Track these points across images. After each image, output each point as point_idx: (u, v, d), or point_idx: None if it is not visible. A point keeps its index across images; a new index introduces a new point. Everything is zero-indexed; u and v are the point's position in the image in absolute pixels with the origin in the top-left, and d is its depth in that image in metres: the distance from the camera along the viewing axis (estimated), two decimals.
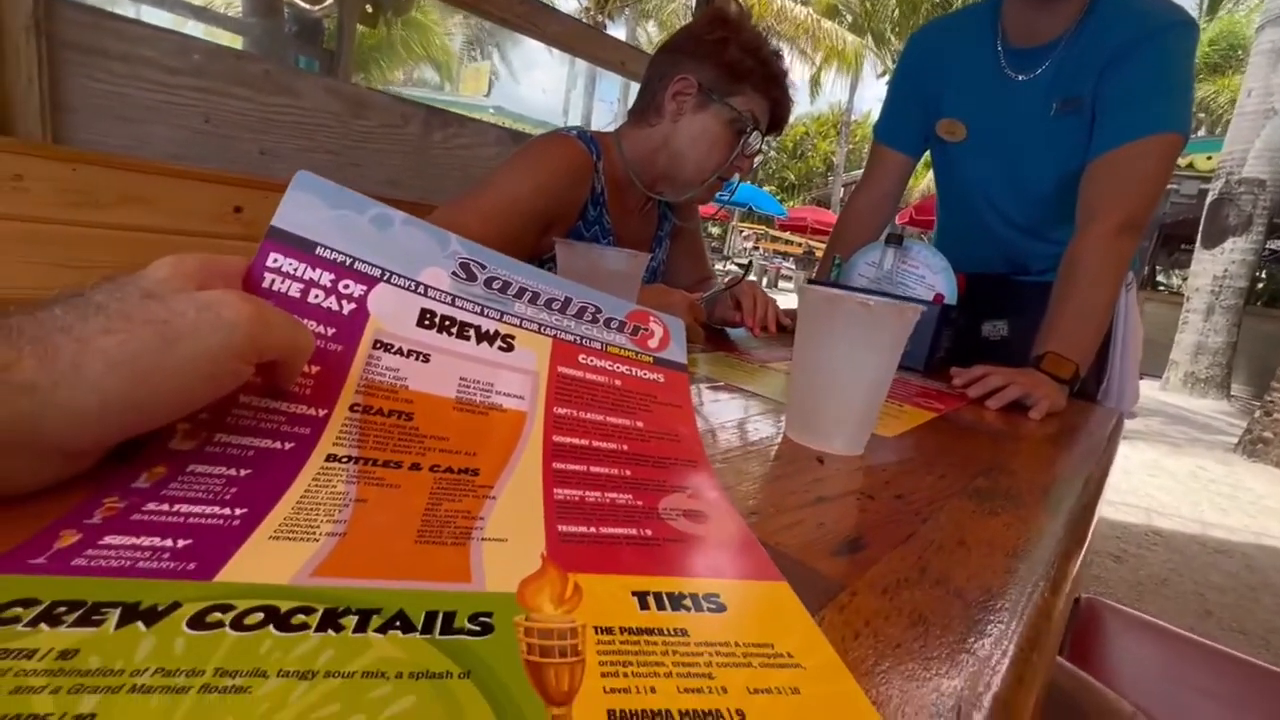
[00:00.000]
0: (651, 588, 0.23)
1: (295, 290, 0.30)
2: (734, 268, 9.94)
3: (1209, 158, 6.80)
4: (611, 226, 0.92)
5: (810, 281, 1.09)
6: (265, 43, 2.21)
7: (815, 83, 16.76)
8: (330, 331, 0.30)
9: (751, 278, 0.95)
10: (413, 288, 0.33)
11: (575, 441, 0.33)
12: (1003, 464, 0.48)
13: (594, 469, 0.31)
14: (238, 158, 0.96)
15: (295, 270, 0.30)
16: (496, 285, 0.36)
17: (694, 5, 1.80)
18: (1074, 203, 0.91)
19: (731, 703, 0.18)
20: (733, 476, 0.36)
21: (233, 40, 2.45)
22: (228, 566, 0.19)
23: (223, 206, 0.89)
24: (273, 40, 2.23)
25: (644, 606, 0.22)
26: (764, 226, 15.80)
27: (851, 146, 20.16)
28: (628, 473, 0.32)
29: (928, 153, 1.19)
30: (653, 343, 0.42)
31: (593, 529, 0.26)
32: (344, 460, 0.27)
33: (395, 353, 0.31)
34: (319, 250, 0.31)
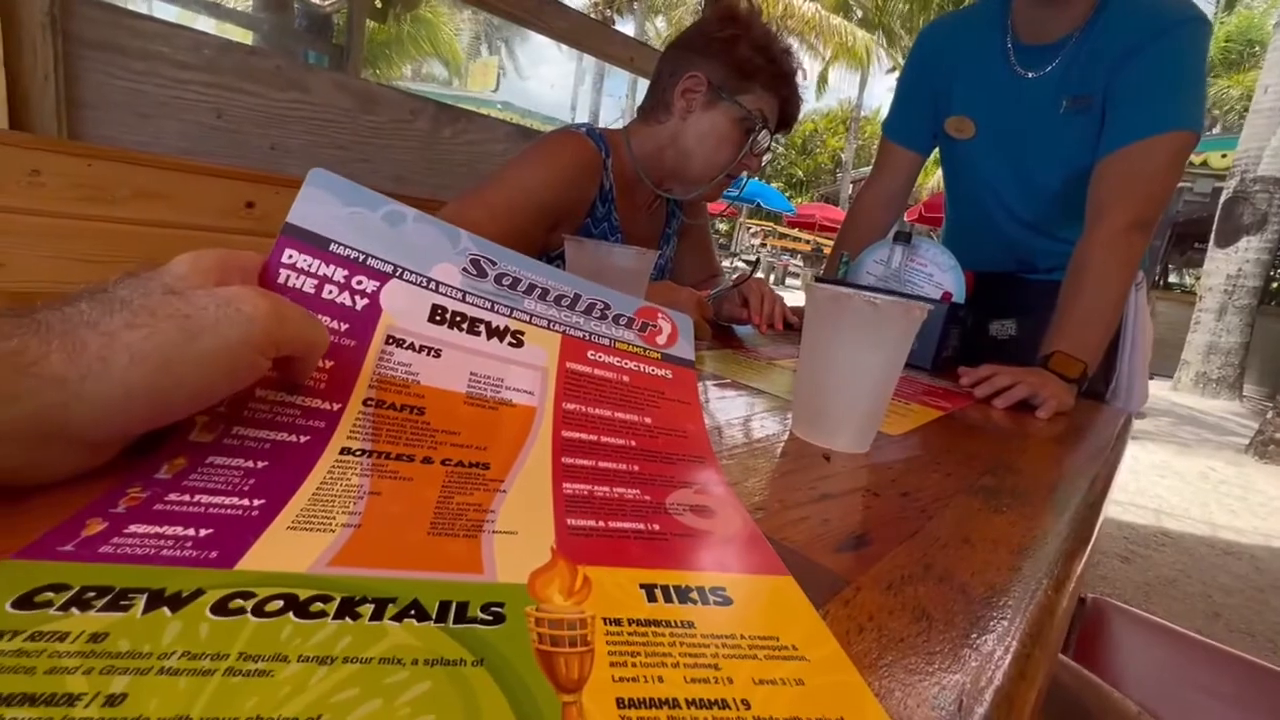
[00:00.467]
0: (659, 581, 0.23)
1: (310, 286, 0.30)
2: (741, 264, 9.91)
3: (1224, 155, 6.72)
4: (620, 224, 0.92)
5: (818, 279, 1.09)
6: (276, 38, 2.22)
7: (824, 79, 16.66)
8: (344, 327, 0.31)
9: (759, 275, 0.95)
10: (424, 284, 0.34)
11: (584, 437, 0.34)
12: (1009, 463, 0.48)
13: (602, 464, 0.32)
14: (249, 153, 0.97)
15: (310, 266, 0.31)
16: (507, 281, 0.36)
17: (703, 1, 1.79)
18: (1083, 201, 0.90)
19: (737, 693, 0.18)
20: (739, 473, 0.36)
21: (244, 36, 2.47)
22: (248, 555, 0.20)
23: (235, 201, 0.90)
24: (283, 36, 2.24)
25: (651, 599, 0.22)
26: (772, 223, 15.74)
27: (860, 143, 20.04)
28: (636, 468, 0.32)
29: (937, 150, 1.18)
30: (661, 339, 0.42)
31: (601, 523, 0.27)
32: (358, 453, 0.27)
33: (407, 348, 0.32)
34: (333, 246, 0.31)
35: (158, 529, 0.21)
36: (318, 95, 1.03)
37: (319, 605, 0.18)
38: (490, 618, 0.19)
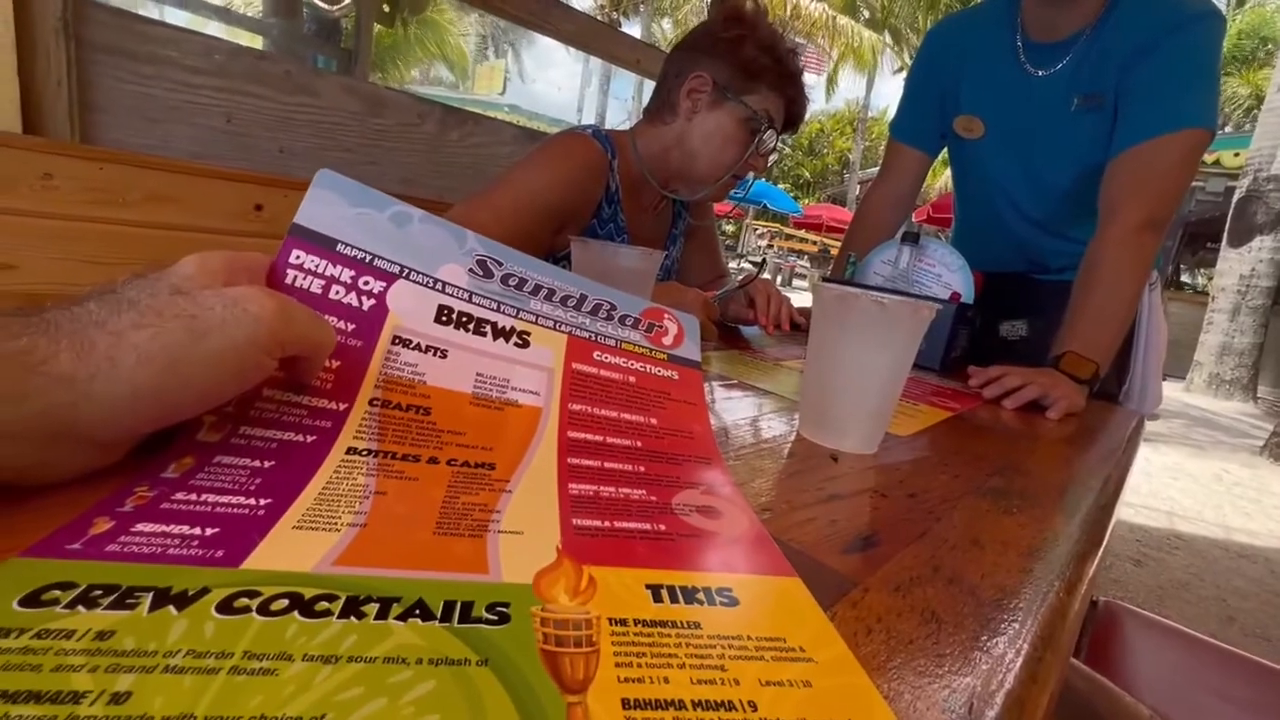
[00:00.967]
0: (665, 581, 0.23)
1: (317, 286, 0.31)
2: (748, 265, 9.90)
3: (1236, 154, 6.64)
4: (626, 224, 0.92)
5: (825, 280, 1.09)
6: (284, 43, 2.24)
7: (831, 80, 16.62)
8: (350, 327, 0.31)
9: (765, 275, 0.95)
10: (431, 284, 0.34)
11: (590, 438, 0.33)
12: (1018, 464, 0.48)
13: (608, 465, 0.32)
14: (258, 156, 0.98)
15: (317, 267, 0.31)
16: (513, 282, 0.36)
17: (709, 2, 1.79)
18: (1095, 200, 0.89)
19: (744, 694, 0.18)
20: (746, 473, 0.36)
21: (252, 40, 2.49)
22: (253, 554, 0.20)
23: (244, 204, 0.91)
24: (292, 40, 2.26)
25: (657, 599, 0.22)
26: (779, 224, 15.70)
27: (868, 144, 19.98)
28: (642, 469, 0.32)
29: (945, 150, 1.17)
30: (667, 340, 0.42)
31: (607, 523, 0.26)
32: (364, 453, 0.27)
33: (414, 348, 0.32)
34: (340, 247, 0.31)
35: (164, 528, 0.21)
36: (326, 99, 1.03)
37: (324, 604, 0.18)
38: (495, 618, 0.19)
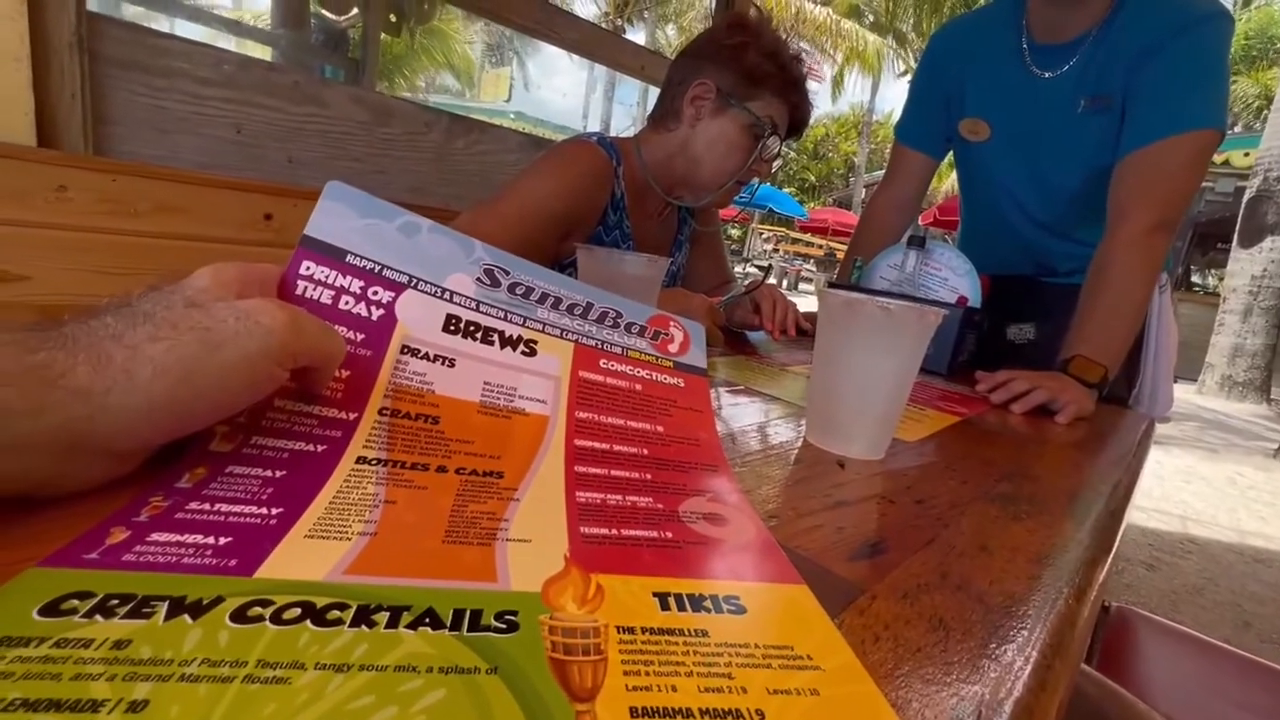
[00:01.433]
0: (672, 589, 0.23)
1: (327, 297, 0.31)
2: (754, 270, 9.90)
3: (1246, 154, 6.59)
4: (631, 231, 0.92)
5: (831, 284, 1.09)
6: (293, 53, 2.27)
7: (837, 83, 16.63)
8: (360, 337, 0.31)
9: (771, 281, 0.95)
10: (439, 294, 0.34)
11: (596, 445, 0.34)
12: (1027, 469, 0.48)
13: (615, 472, 0.32)
14: (267, 166, 0.99)
15: (327, 278, 0.31)
16: (520, 291, 0.37)
17: (713, 7, 1.80)
18: (1102, 202, 0.89)
19: (751, 702, 0.18)
20: (753, 480, 0.36)
21: (262, 51, 2.52)
22: (266, 563, 0.20)
23: (254, 214, 0.92)
24: (300, 51, 2.28)
25: (665, 607, 0.22)
26: (784, 228, 15.69)
27: (873, 147, 19.95)
28: (648, 476, 0.32)
29: (952, 152, 1.17)
30: (673, 347, 0.42)
31: (614, 531, 0.27)
32: (373, 463, 0.28)
33: (422, 358, 0.32)
34: (349, 258, 0.32)
35: (179, 537, 0.21)
36: (334, 109, 1.05)
37: (336, 613, 0.19)
38: (504, 626, 0.19)
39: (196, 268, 0.26)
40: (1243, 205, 5.42)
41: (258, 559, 0.21)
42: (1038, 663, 0.23)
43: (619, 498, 0.30)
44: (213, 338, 0.22)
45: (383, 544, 0.23)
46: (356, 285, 0.32)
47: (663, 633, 0.21)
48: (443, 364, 0.33)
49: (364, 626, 0.18)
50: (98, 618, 0.17)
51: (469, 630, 0.19)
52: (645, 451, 0.35)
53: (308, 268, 0.31)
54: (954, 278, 0.93)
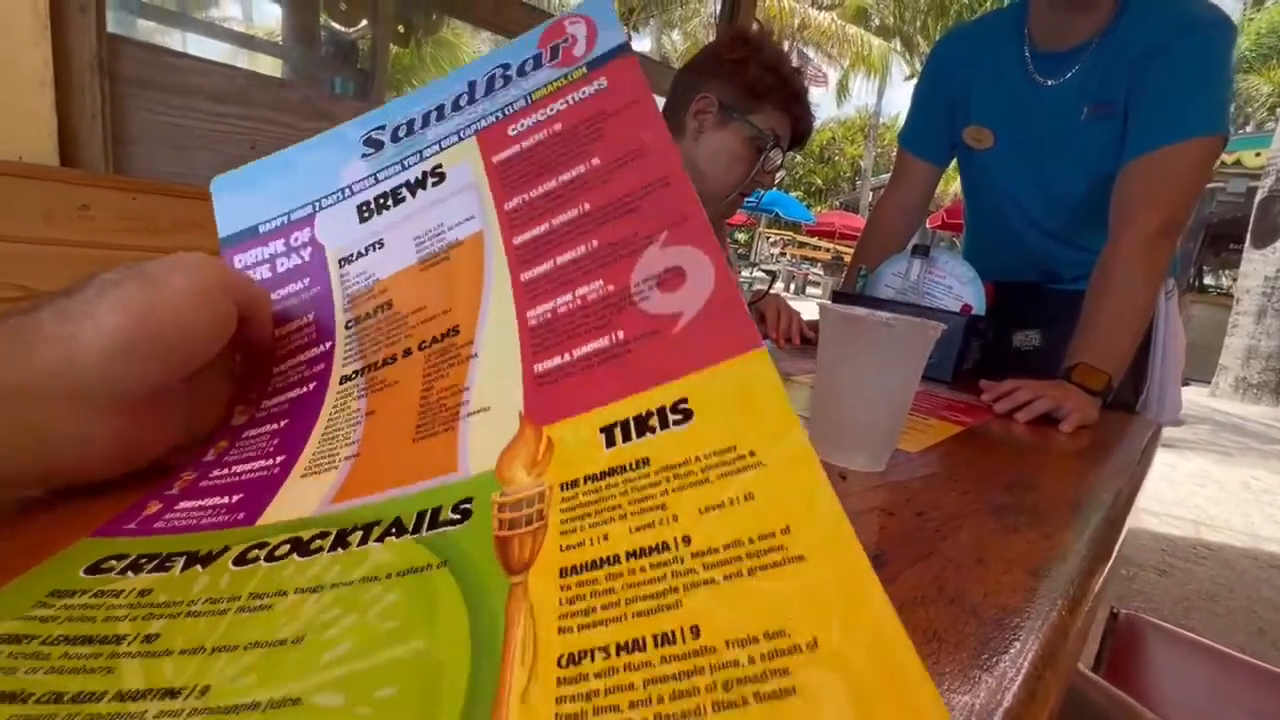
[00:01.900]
0: (620, 415, 0.23)
1: (266, 272, 0.33)
2: (761, 273, 9.91)
3: (1258, 154, 6.53)
4: None
5: (836, 293, 1.09)
6: (304, 66, 2.30)
7: (842, 88, 16.64)
8: (305, 281, 0.33)
9: (775, 288, 0.96)
10: (341, 196, 0.34)
11: (535, 233, 0.30)
12: (1028, 479, 0.48)
13: (560, 260, 0.29)
14: None
15: (255, 257, 0.33)
16: (403, 133, 0.35)
17: (717, 14, 1.81)
18: (1106, 209, 0.89)
19: (679, 530, 0.19)
20: None
21: (274, 64, 2.56)
22: (268, 510, 0.23)
23: None
24: (310, 64, 2.32)
25: (610, 443, 0.23)
26: (791, 232, 15.68)
27: (879, 150, 19.93)
28: (595, 243, 0.29)
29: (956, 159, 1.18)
30: (578, 49, 0.34)
31: (567, 356, 0.26)
32: (353, 376, 0.29)
33: (356, 258, 0.33)
34: (261, 229, 0.34)
35: (200, 502, 0.24)
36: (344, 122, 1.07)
37: (318, 542, 0.21)
38: (459, 516, 0.21)
39: None
40: (1255, 205, 5.38)
41: (260, 509, 0.23)
42: (1028, 673, 0.23)
43: (569, 298, 0.28)
44: (150, 278, 0.24)
45: (363, 464, 0.25)
46: (278, 245, 0.33)
47: (605, 476, 0.21)
48: (374, 250, 0.33)
49: (340, 549, 0.21)
50: (129, 573, 0.20)
51: (428, 529, 0.21)
52: (588, 206, 0.30)
53: (239, 260, 0.33)
54: (958, 286, 0.94)
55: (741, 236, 15.93)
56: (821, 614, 0.15)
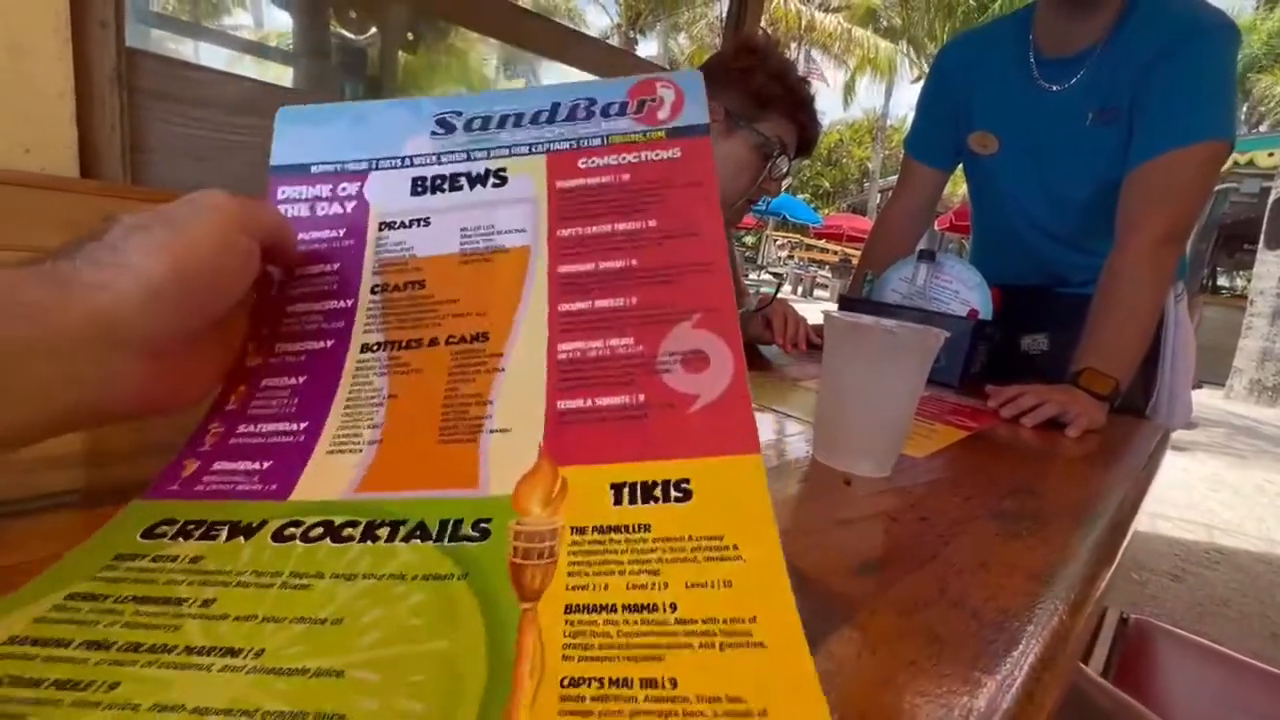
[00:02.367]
0: (629, 477, 0.25)
1: (304, 210, 0.34)
2: (769, 277, 9.91)
3: (1271, 154, 6.46)
4: None
5: (843, 298, 1.10)
6: (314, 73, 2.33)
7: (848, 90, 16.61)
8: (341, 231, 0.33)
9: (783, 293, 0.97)
10: (400, 164, 0.34)
11: (581, 269, 0.31)
12: (1033, 484, 0.49)
13: (599, 303, 0.30)
14: None
15: (299, 194, 0.34)
16: (477, 125, 0.35)
17: (724, 17, 1.83)
18: (1113, 214, 0.89)
19: (669, 596, 0.21)
20: None
21: (283, 71, 2.60)
22: (298, 486, 0.25)
23: None
24: (321, 71, 2.35)
25: (618, 500, 0.24)
26: (799, 235, 15.66)
27: (887, 152, 19.87)
28: (634, 300, 0.30)
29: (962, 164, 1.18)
30: (663, 113, 0.35)
31: (589, 402, 0.28)
32: (375, 348, 0.30)
33: (399, 227, 0.33)
34: (314, 169, 0.34)
35: (233, 465, 0.26)
36: None
37: (349, 530, 0.23)
38: (478, 534, 0.23)
39: None
40: (1269, 206, 5.32)
41: (291, 482, 0.25)
42: (1027, 676, 0.24)
43: (600, 344, 0.29)
44: (174, 222, 0.25)
45: (387, 453, 0.26)
46: (325, 189, 0.34)
47: (610, 530, 0.23)
48: (419, 226, 0.33)
49: (369, 541, 0.23)
50: (180, 540, 0.23)
51: (450, 540, 0.23)
52: (635, 263, 0.31)
53: (283, 192, 0.34)
54: (965, 290, 0.94)
55: (749, 239, 15.91)
56: (773, 692, 0.18)
